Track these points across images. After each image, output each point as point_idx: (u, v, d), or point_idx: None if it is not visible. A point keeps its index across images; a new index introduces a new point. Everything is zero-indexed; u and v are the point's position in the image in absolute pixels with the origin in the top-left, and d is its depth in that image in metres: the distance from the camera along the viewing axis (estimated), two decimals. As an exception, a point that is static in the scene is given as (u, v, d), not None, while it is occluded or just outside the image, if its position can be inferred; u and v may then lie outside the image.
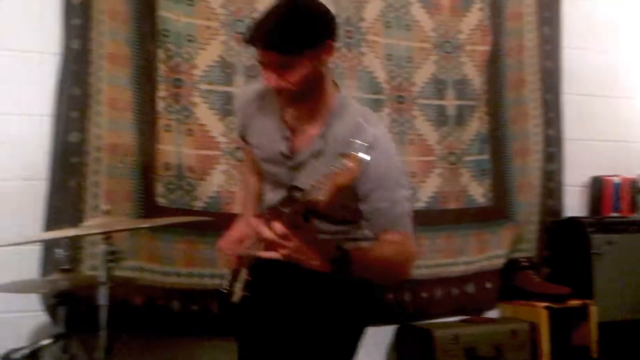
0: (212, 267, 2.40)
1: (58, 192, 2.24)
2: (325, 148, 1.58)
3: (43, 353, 1.59)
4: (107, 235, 1.56)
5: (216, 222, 2.23)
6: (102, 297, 1.56)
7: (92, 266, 2.19)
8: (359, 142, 1.28)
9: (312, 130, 1.61)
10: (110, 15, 2.31)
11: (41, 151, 2.26)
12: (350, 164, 1.25)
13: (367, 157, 1.27)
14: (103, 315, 1.56)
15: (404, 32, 2.80)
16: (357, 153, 1.26)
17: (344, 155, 1.28)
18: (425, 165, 2.83)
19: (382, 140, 1.56)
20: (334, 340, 1.68)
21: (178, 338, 2.39)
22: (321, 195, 1.28)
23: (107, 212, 1.66)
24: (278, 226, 1.38)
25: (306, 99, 1.57)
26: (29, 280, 2.01)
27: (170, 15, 2.41)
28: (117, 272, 1.72)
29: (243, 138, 1.83)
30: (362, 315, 1.78)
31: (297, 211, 1.38)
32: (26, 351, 1.55)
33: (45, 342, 1.59)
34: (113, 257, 1.57)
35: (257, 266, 1.67)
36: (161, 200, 2.39)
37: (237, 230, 1.83)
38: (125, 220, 1.73)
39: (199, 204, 2.44)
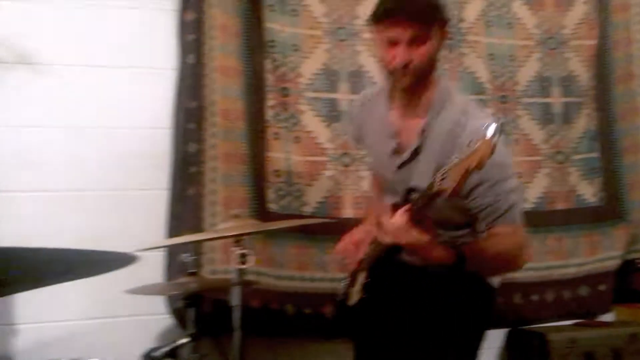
0: (324, 271, 2.45)
1: (178, 200, 2.35)
2: (428, 143, 1.60)
3: (180, 352, 1.67)
4: (238, 239, 1.63)
5: (327, 226, 2.30)
6: (235, 298, 1.62)
7: (212, 270, 2.29)
8: (488, 123, 1.26)
9: (416, 126, 1.63)
10: (221, 30, 2.41)
11: (162, 162, 2.39)
12: (479, 146, 1.23)
13: (495, 137, 1.22)
14: (236, 315, 1.62)
15: (506, 30, 2.75)
16: (486, 135, 1.22)
17: (471, 141, 1.26)
18: (531, 165, 2.76)
19: None
20: (454, 344, 1.68)
21: (291, 339, 2.45)
22: (448, 183, 1.27)
23: (236, 216, 1.73)
24: (400, 215, 1.40)
25: (418, 87, 1.60)
26: (158, 283, 2.12)
27: (276, 27, 2.49)
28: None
29: (358, 143, 1.87)
30: (481, 319, 1.77)
31: (421, 205, 1.39)
32: (166, 349, 1.64)
33: (183, 341, 1.67)
34: (244, 259, 1.62)
35: (375, 268, 1.69)
36: (272, 206, 2.46)
37: (356, 234, 1.86)
38: (256, 224, 1.78)
39: (308, 209, 2.49)
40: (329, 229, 2.29)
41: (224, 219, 2.33)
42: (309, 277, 2.46)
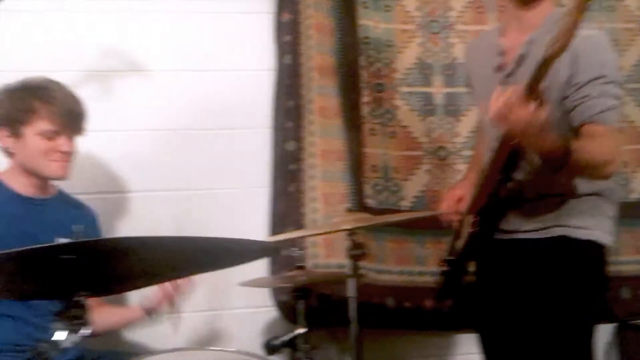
0: (422, 265, 2.46)
1: (280, 197, 2.42)
2: (530, 54, 1.60)
3: (298, 341, 1.73)
4: (352, 232, 1.66)
5: (426, 221, 2.31)
6: (351, 290, 1.66)
7: (315, 264, 2.34)
8: None
9: (521, 38, 1.65)
10: (317, 30, 2.46)
11: (262, 160, 2.46)
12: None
13: None
14: (352, 307, 1.65)
15: (607, 13, 2.65)
16: None
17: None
18: (639, 154, 2.65)
19: (597, 37, 1.60)
20: (568, 335, 1.65)
21: (395, 332, 2.47)
22: (558, 44, 1.30)
23: (349, 211, 1.77)
24: (514, 90, 1.38)
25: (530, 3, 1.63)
26: (268, 277, 2.19)
27: (370, 23, 2.51)
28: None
29: (469, 86, 1.92)
30: (593, 312, 1.73)
31: (535, 76, 1.37)
32: (284, 339, 1.69)
33: (300, 331, 1.72)
34: (358, 252, 1.66)
35: (482, 251, 1.69)
36: (370, 202, 2.48)
37: (458, 190, 1.87)
38: (369, 217, 1.81)
39: (405, 204, 2.50)
40: (427, 223, 2.31)
41: (326, 214, 2.39)
42: (407, 271, 2.47)
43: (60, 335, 0.97)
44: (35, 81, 1.86)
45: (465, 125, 2.53)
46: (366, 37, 2.51)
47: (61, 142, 1.84)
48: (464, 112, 2.53)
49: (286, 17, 2.46)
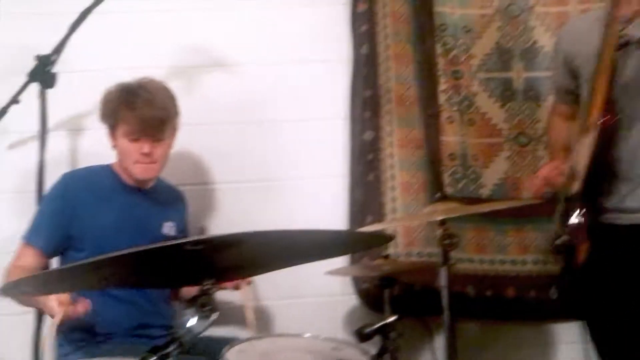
0: (503, 253, 2.44)
1: (358, 186, 2.44)
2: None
3: (388, 331, 1.74)
4: (443, 222, 1.67)
5: (506, 209, 2.28)
6: (442, 279, 1.67)
7: (395, 254, 2.36)
8: None
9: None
10: (393, 18, 2.46)
11: (339, 150, 2.48)
12: None
13: None
14: (445, 296, 1.66)
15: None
16: None
17: None
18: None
19: None
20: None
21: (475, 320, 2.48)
22: None
23: (441, 199, 1.77)
24: None
25: None
26: (351, 266, 2.22)
27: (446, 10, 2.49)
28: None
29: (570, 65, 1.88)
30: None
31: None
32: (376, 327, 1.71)
33: (391, 319, 1.74)
34: (450, 242, 1.66)
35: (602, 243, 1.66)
36: (449, 190, 2.47)
37: (557, 162, 1.86)
38: (458, 207, 1.81)
39: (484, 192, 2.48)
40: (508, 211, 2.28)
41: (404, 203, 2.40)
42: (488, 260, 2.46)
43: (192, 322, 1.02)
44: (129, 86, 1.96)
45: (547, 110, 2.48)
46: (443, 24, 2.49)
47: (143, 145, 1.93)
48: (545, 97, 2.48)
49: (362, 7, 2.47)
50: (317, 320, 2.42)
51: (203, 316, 1.03)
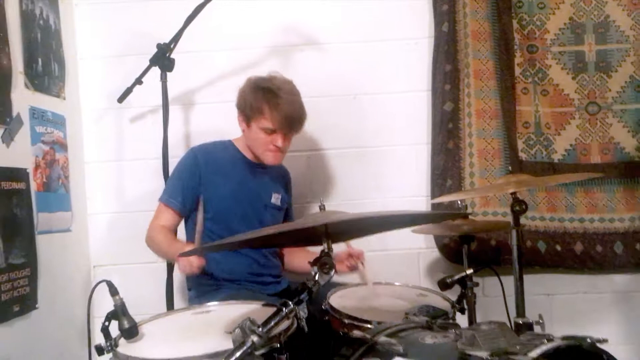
0: (572, 212, 2.69)
1: (439, 153, 2.73)
2: None
3: (466, 281, 2.07)
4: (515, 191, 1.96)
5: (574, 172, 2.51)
6: (514, 239, 1.96)
7: (472, 213, 2.66)
8: None
9: None
10: (472, -3, 2.69)
11: (422, 120, 2.77)
12: None
13: None
14: (515, 253, 1.96)
15: None
16: None
17: None
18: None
19: None
20: None
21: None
22: None
23: (510, 172, 2.05)
24: None
25: None
26: (437, 225, 2.53)
27: (523, -13, 2.68)
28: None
29: None
30: None
31: None
32: (456, 278, 2.04)
33: (468, 272, 2.06)
34: (519, 207, 1.95)
35: None
36: (523, 155, 2.72)
37: None
38: (527, 180, 2.09)
39: (556, 157, 2.71)
40: (577, 175, 2.51)
41: (481, 168, 2.67)
42: (558, 218, 2.71)
43: (317, 277, 1.38)
44: (270, 83, 2.25)
45: (616, 80, 2.66)
46: (519, 1, 2.69)
47: (277, 138, 2.24)
48: (616, 67, 2.65)
49: (443, -13, 2.70)
50: (403, 271, 2.78)
51: (324, 272, 1.39)
